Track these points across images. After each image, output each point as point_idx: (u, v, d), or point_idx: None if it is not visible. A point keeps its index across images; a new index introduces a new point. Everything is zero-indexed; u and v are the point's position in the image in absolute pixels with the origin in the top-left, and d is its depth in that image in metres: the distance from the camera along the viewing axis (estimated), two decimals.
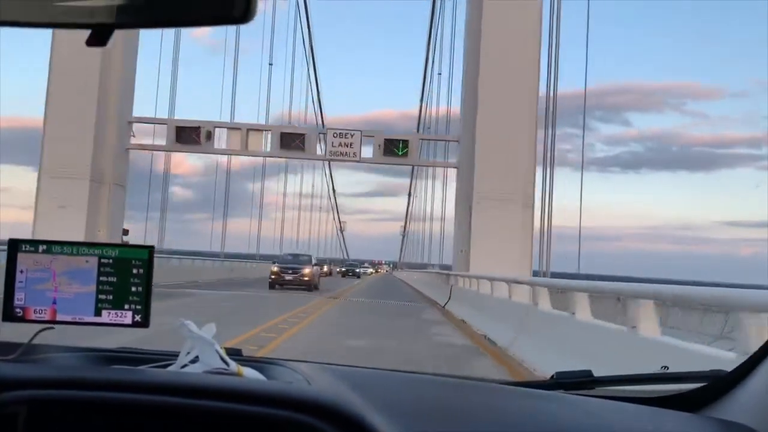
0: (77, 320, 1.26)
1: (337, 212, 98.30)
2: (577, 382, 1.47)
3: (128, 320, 1.27)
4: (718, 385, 1.34)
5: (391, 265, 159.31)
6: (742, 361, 1.32)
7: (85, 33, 0.79)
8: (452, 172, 30.57)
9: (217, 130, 28.45)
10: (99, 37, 0.79)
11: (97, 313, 1.27)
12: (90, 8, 0.78)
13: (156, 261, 1.32)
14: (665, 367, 1.57)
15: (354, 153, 27.75)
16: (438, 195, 46.15)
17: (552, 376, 1.51)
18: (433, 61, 49.96)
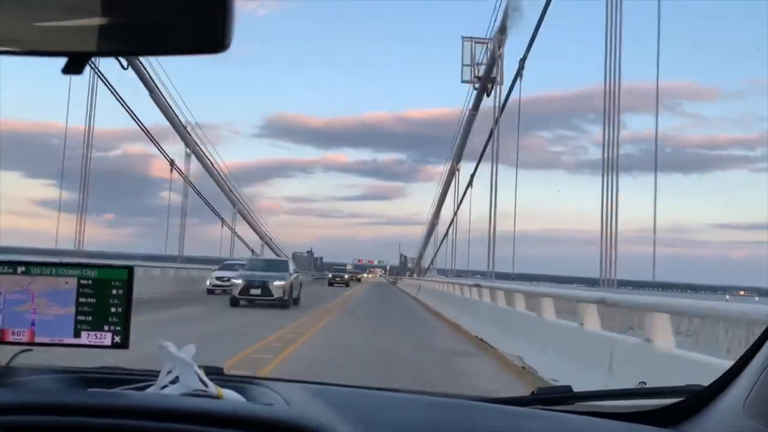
0: (56, 342, 1.26)
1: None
2: (557, 397, 1.48)
3: (107, 341, 1.27)
4: (695, 400, 1.35)
5: (386, 269, 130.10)
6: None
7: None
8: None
9: None
10: (75, 64, 0.80)
11: (77, 334, 1.26)
12: (66, 36, 0.79)
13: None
14: (643, 382, 1.58)
15: None
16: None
17: (532, 392, 1.52)
18: None
